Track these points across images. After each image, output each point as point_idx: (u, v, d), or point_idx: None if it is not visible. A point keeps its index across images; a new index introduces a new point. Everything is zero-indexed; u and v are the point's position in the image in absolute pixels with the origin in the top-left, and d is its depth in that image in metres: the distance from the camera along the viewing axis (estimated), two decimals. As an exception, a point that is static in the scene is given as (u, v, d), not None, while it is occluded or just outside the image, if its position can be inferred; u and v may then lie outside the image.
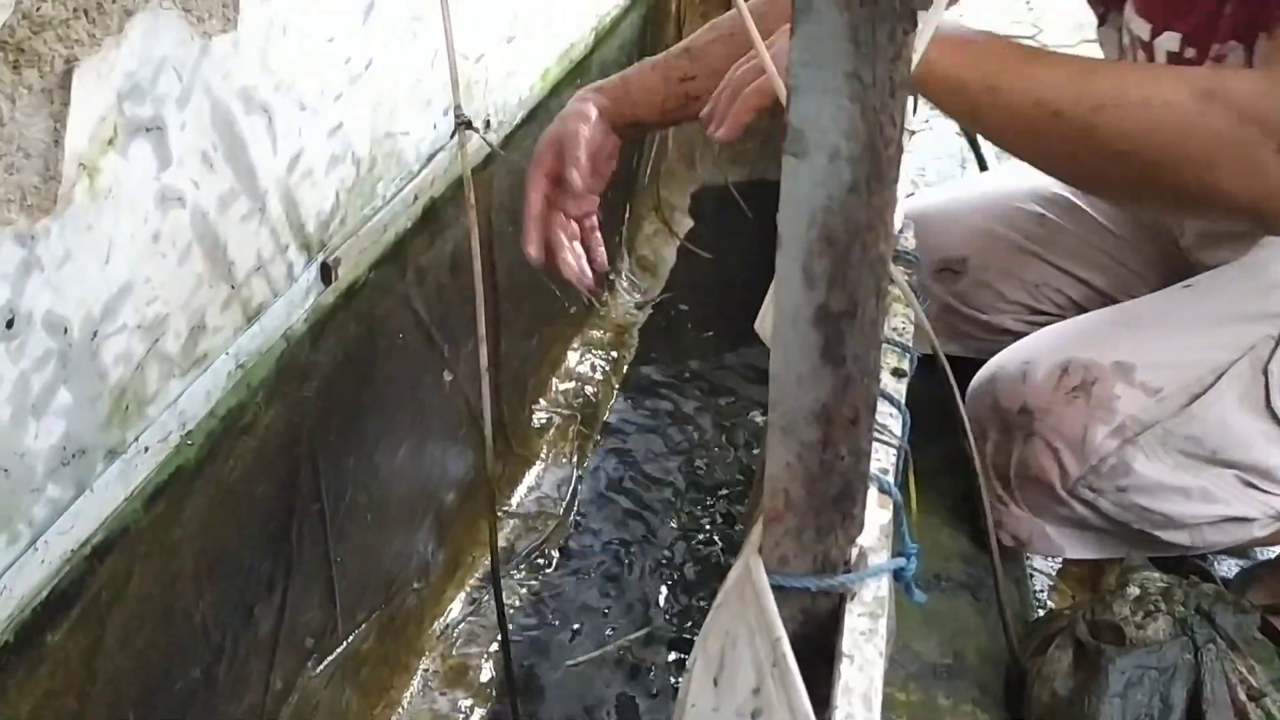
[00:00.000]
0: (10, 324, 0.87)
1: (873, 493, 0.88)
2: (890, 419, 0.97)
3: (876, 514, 0.85)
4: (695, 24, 3.24)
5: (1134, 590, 1.07)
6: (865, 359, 0.69)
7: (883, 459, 0.91)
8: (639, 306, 2.78)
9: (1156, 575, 1.08)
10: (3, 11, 0.82)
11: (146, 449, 1.05)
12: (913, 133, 1.69)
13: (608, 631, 1.80)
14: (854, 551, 0.80)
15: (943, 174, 2.30)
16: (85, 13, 0.91)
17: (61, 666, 0.96)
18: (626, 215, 2.86)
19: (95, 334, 0.97)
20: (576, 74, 2.35)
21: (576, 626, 1.81)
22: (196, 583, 1.16)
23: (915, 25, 0.59)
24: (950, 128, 2.54)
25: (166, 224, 1.05)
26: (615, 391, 2.43)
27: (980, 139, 2.50)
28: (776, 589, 0.76)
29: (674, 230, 3.02)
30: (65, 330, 0.93)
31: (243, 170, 1.16)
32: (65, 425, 0.94)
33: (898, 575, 0.87)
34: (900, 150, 0.63)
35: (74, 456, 0.96)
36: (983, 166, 2.43)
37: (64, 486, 0.95)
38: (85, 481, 0.97)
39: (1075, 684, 1.02)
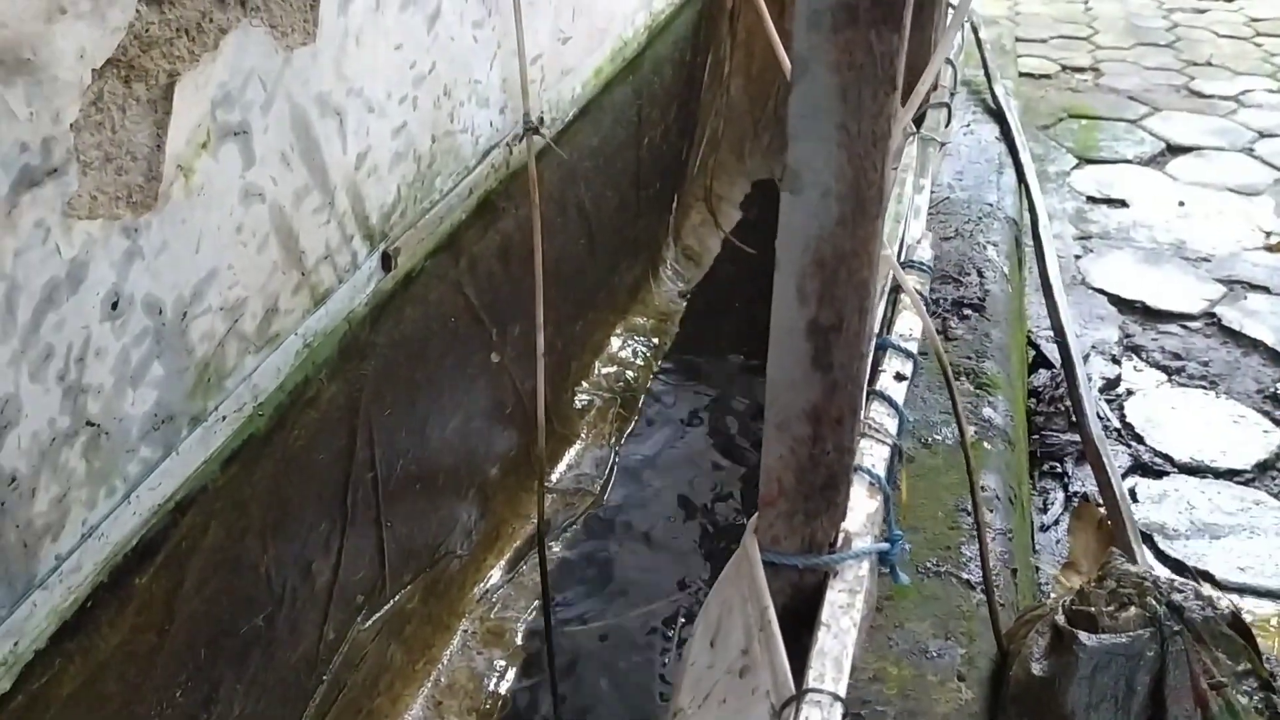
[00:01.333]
0: (115, 305, 1.00)
1: (865, 484, 0.98)
2: (888, 419, 1.07)
3: (865, 503, 0.96)
4: (749, 18, 3.32)
5: (1111, 583, 1.16)
6: (850, 367, 0.80)
7: (876, 455, 1.01)
8: (682, 295, 2.89)
9: (1134, 571, 1.17)
10: (117, 34, 0.95)
11: (224, 417, 1.18)
12: (943, 144, 1.77)
13: (635, 599, 1.92)
14: (840, 535, 0.90)
15: (979, 178, 2.37)
16: (186, 32, 1.03)
17: (146, 606, 1.09)
18: (674, 205, 2.96)
19: (185, 314, 1.10)
20: (629, 70, 2.45)
21: (607, 595, 1.93)
22: (262, 538, 1.29)
23: (895, 88, 0.70)
24: (989, 134, 2.61)
25: (248, 217, 1.17)
26: (654, 376, 2.54)
27: (1020, 146, 2.56)
28: (768, 565, 0.87)
29: (719, 222, 3.12)
30: (160, 311, 1.06)
31: (316, 168, 1.29)
32: (157, 394, 1.07)
33: (884, 558, 0.97)
34: (881, 192, 0.73)
35: (163, 422, 1.09)
36: (1021, 174, 2.50)
37: (154, 448, 1.08)
38: (172, 444, 1.10)
39: (1049, 665, 1.12)
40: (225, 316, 1.16)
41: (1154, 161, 3.35)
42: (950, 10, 2.17)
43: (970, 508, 1.44)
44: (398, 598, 1.67)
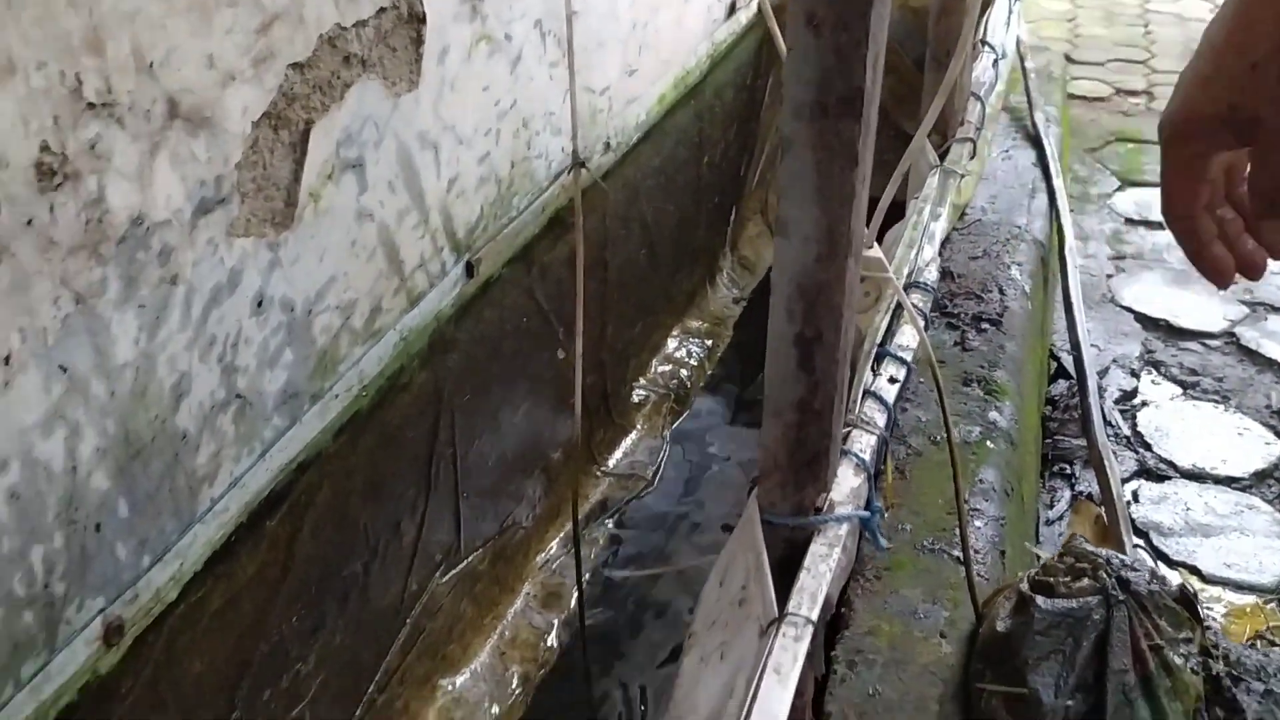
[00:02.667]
0: (260, 304, 1.26)
1: (852, 465, 1.21)
2: (878, 414, 1.30)
3: (851, 480, 1.19)
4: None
5: (1070, 559, 1.37)
6: (829, 370, 1.03)
7: (864, 442, 1.24)
8: (736, 301, 3.12)
9: (1091, 550, 1.38)
10: (270, 93, 1.21)
11: (337, 396, 1.44)
12: (962, 175, 1.97)
13: (678, 557, 2.19)
14: (826, 502, 1.14)
15: (1012, 202, 2.56)
16: (320, 88, 1.29)
17: (274, 545, 1.36)
18: (732, 217, 3.19)
19: (310, 311, 1.36)
20: (691, 96, 2.69)
21: (651, 557, 2.20)
22: (363, 499, 1.55)
23: (856, 163, 0.93)
24: (1027, 160, 2.80)
25: (361, 234, 1.43)
26: (707, 375, 2.78)
27: (1053, 172, 2.75)
28: (766, 523, 1.10)
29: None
30: (292, 309, 1.32)
31: (415, 193, 1.55)
32: (287, 375, 1.34)
33: (865, 525, 1.20)
34: (849, 240, 0.96)
35: (291, 397, 1.36)
36: (1053, 198, 2.69)
37: (283, 418, 1.35)
38: (297, 416, 1.37)
39: (1011, 624, 1.33)
40: (340, 314, 1.43)
41: (1194, 185, 3.49)
42: (986, 48, 2.38)
43: (966, 495, 1.65)
44: (470, 559, 1.93)
